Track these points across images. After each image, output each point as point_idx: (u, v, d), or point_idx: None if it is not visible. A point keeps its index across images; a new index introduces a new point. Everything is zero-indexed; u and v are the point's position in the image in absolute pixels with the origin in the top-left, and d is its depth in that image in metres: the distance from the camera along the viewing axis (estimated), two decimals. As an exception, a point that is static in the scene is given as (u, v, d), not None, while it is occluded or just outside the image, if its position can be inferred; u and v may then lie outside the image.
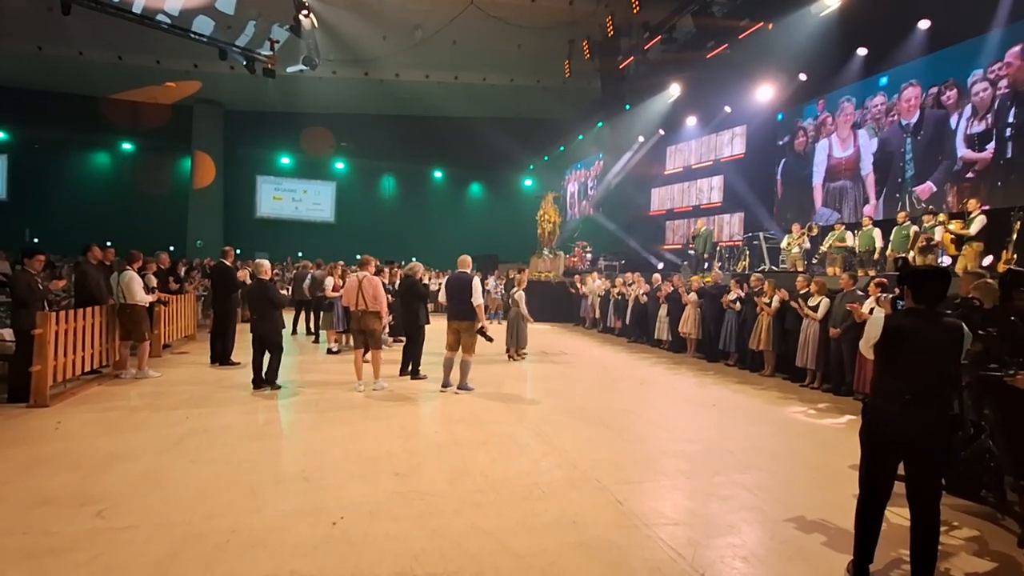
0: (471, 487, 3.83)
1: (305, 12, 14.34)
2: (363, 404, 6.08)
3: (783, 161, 14.71)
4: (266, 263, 6.92)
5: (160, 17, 15.29)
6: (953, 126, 10.41)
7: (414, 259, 10.07)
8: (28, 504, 3.36)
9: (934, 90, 10.72)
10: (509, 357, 9.34)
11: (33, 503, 3.37)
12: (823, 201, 13.37)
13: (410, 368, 7.53)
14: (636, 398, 6.95)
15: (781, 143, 14.62)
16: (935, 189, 10.72)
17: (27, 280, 5.76)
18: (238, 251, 9.24)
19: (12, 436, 4.63)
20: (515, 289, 9.79)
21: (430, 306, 9.09)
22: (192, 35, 15.23)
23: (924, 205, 10.62)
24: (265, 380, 6.54)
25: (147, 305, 7.17)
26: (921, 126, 11.06)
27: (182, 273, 11.09)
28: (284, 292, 11.29)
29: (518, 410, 6.07)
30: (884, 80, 11.82)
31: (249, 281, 12.10)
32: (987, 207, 8.80)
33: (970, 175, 10.10)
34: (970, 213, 8.23)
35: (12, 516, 3.21)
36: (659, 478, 4.21)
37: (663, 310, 11.11)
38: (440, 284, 7.82)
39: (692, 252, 14.66)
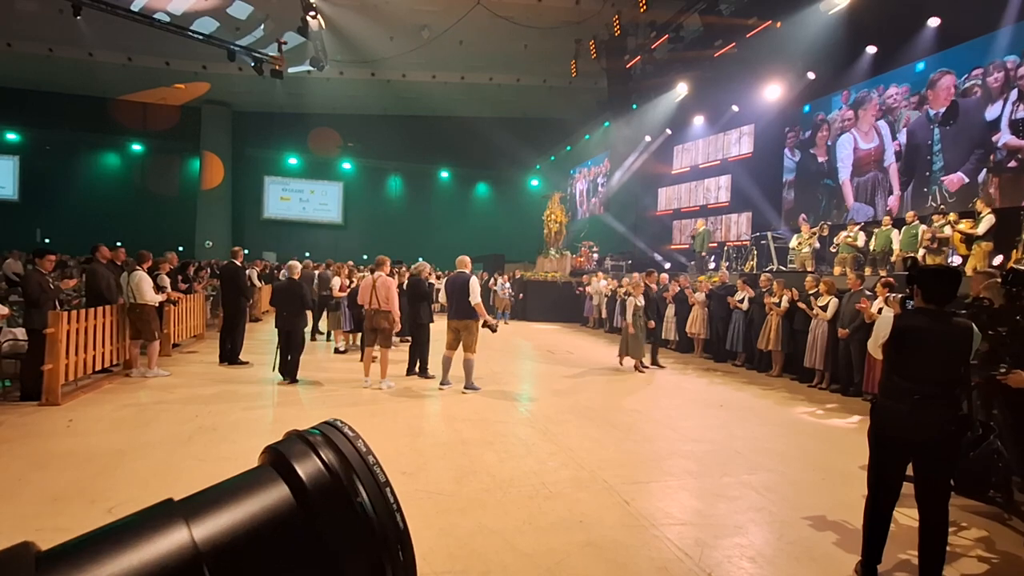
0: (478, 486, 3.84)
1: (312, 13, 14.42)
2: (370, 402, 6.11)
3: (800, 156, 14.43)
4: (297, 264, 7.43)
5: (167, 18, 15.42)
6: (991, 115, 9.90)
7: (420, 259, 10.06)
8: (40, 500, 3.40)
9: (978, 72, 10.16)
10: (635, 367, 8.63)
11: (45, 499, 3.42)
12: (855, 196, 12.94)
13: (418, 367, 7.56)
14: (643, 398, 6.94)
15: (804, 137, 14.25)
16: (967, 180, 10.27)
17: (38, 280, 5.83)
18: (246, 251, 9.30)
19: (25, 433, 4.69)
20: (630, 297, 8.65)
21: (435, 306, 9.08)
22: (201, 37, 15.34)
23: (954, 198, 10.23)
24: (289, 373, 6.89)
25: (157, 305, 7.23)
26: (952, 115, 10.59)
27: (191, 273, 11.18)
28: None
29: (524, 409, 6.08)
30: (921, 65, 11.28)
31: (258, 283, 12.30)
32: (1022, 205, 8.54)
33: (1012, 164, 9.59)
34: (979, 212, 8.17)
35: (25, 512, 3.25)
36: (666, 478, 4.21)
37: (670, 310, 11.07)
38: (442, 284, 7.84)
39: (704, 254, 14.62)
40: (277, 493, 0.36)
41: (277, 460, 0.37)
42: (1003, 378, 3.16)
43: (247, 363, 7.91)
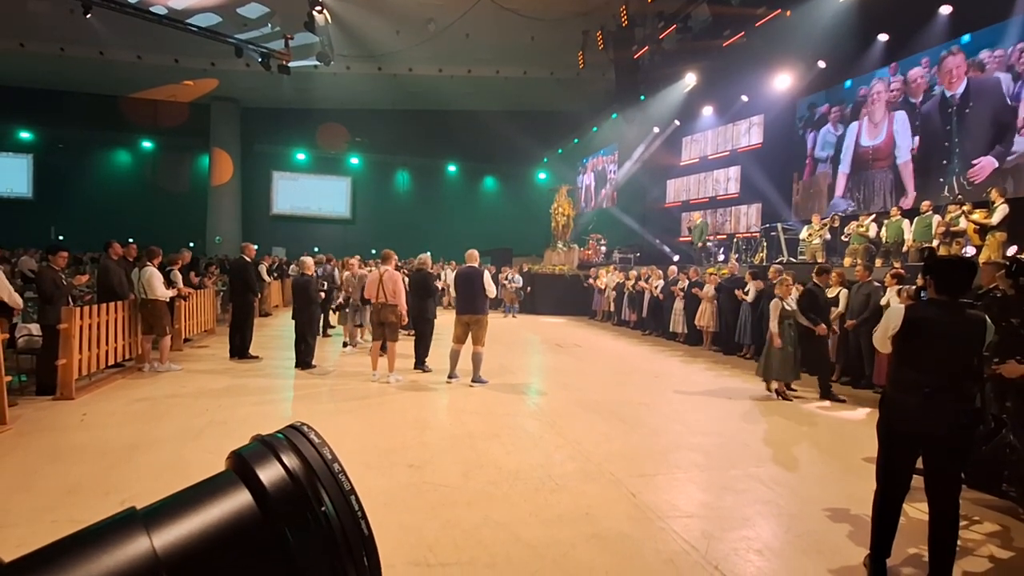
0: (485, 479, 3.86)
1: (319, 8, 14.41)
2: (378, 396, 6.15)
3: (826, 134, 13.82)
4: (310, 260, 7.84)
5: (170, 14, 15.50)
6: (1009, 92, 9.46)
7: (428, 252, 10.05)
8: (56, 492, 3.46)
9: (1000, 53, 9.68)
10: (777, 393, 6.64)
11: (60, 491, 3.48)
12: (843, 191, 12.81)
13: (416, 361, 7.59)
14: (651, 391, 6.92)
15: (844, 111, 13.47)
16: (997, 164, 9.70)
17: (52, 276, 5.91)
18: (255, 247, 9.34)
19: (40, 427, 4.77)
20: (775, 298, 6.57)
21: (444, 300, 9.06)
22: (209, 32, 15.40)
23: (979, 187, 9.64)
24: (301, 362, 7.37)
25: (168, 300, 7.32)
26: (968, 97, 10.17)
27: (203, 268, 11.28)
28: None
29: (531, 402, 6.09)
30: (942, 52, 10.81)
31: (267, 278, 12.40)
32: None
33: None
34: (993, 202, 8.03)
35: (41, 504, 3.31)
36: (673, 471, 4.20)
37: (679, 303, 11.02)
38: (446, 277, 7.82)
39: (701, 245, 14.51)
40: (239, 500, 0.35)
41: (241, 466, 0.37)
42: (997, 368, 3.12)
43: (257, 357, 7.99)
